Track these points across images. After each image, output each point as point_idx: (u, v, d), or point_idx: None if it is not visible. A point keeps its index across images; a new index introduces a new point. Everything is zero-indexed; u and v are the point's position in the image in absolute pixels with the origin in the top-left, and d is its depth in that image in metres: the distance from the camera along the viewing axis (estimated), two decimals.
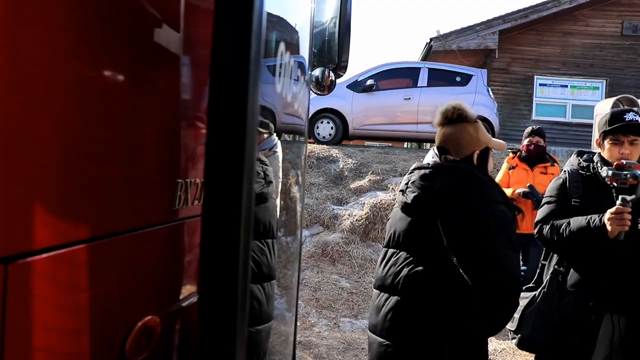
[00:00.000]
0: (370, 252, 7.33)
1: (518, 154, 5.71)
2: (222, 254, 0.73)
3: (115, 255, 0.96)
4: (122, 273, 0.99)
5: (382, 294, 2.29)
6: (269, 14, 1.49)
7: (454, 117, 2.37)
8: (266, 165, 1.61)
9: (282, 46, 1.62)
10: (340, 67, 2.57)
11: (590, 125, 10.25)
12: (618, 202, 2.58)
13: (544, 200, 2.96)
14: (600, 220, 2.61)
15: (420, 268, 2.19)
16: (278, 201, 1.82)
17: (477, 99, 11.10)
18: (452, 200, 2.19)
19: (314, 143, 10.54)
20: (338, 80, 2.77)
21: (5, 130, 0.71)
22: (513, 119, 14.85)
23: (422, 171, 2.31)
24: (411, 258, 2.23)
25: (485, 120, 11.00)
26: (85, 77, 0.87)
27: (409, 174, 2.39)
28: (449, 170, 2.28)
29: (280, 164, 1.85)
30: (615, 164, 2.73)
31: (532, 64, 15.44)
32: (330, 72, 2.53)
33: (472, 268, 2.13)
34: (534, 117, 15.01)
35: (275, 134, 1.76)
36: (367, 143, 14.50)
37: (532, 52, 15.43)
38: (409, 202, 2.27)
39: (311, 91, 2.54)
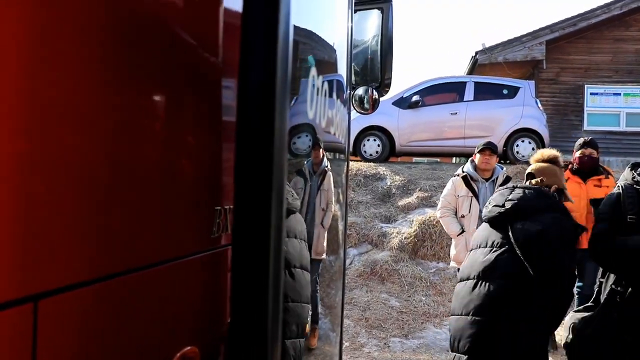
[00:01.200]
0: (420, 270, 7.21)
1: (570, 166, 5.42)
2: (251, 286, 0.70)
3: (153, 287, 0.94)
4: (158, 304, 0.97)
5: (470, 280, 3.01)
6: (301, 33, 1.48)
7: (547, 158, 3.20)
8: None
9: (315, 67, 1.60)
10: (383, 85, 2.57)
11: None
12: None
13: (597, 218, 2.84)
14: None
15: (492, 258, 2.86)
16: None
17: (526, 111, 10.89)
18: (518, 207, 2.89)
19: (360, 161, 10.51)
20: (383, 98, 2.76)
21: (33, 158, 0.69)
22: (563, 129, 14.44)
23: (504, 189, 3.15)
24: (489, 252, 2.91)
25: (534, 132, 10.76)
26: (126, 104, 0.85)
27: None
28: (522, 187, 3.04)
29: (332, 182, 1.93)
30: None
31: (582, 73, 15.05)
32: (374, 90, 2.53)
33: (530, 261, 2.71)
34: (585, 127, 14.58)
35: (313, 155, 1.75)
36: (415, 159, 14.37)
37: (581, 60, 15.05)
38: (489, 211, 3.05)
39: (355, 110, 2.53)
